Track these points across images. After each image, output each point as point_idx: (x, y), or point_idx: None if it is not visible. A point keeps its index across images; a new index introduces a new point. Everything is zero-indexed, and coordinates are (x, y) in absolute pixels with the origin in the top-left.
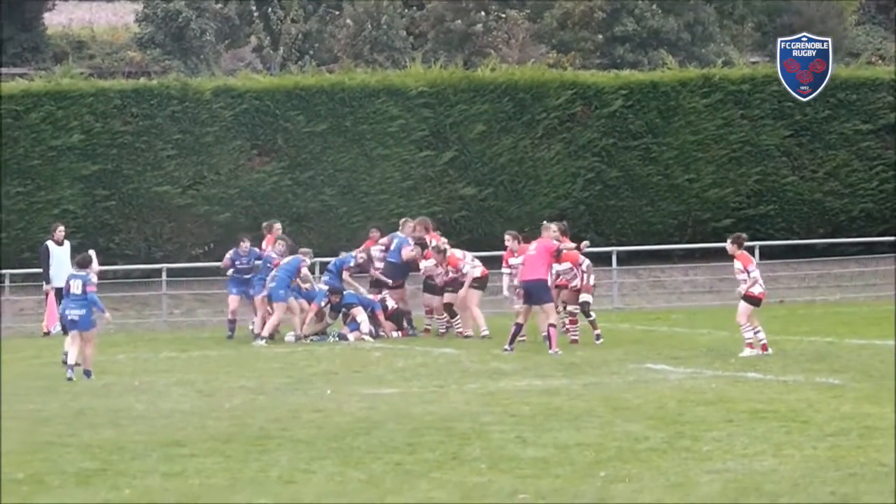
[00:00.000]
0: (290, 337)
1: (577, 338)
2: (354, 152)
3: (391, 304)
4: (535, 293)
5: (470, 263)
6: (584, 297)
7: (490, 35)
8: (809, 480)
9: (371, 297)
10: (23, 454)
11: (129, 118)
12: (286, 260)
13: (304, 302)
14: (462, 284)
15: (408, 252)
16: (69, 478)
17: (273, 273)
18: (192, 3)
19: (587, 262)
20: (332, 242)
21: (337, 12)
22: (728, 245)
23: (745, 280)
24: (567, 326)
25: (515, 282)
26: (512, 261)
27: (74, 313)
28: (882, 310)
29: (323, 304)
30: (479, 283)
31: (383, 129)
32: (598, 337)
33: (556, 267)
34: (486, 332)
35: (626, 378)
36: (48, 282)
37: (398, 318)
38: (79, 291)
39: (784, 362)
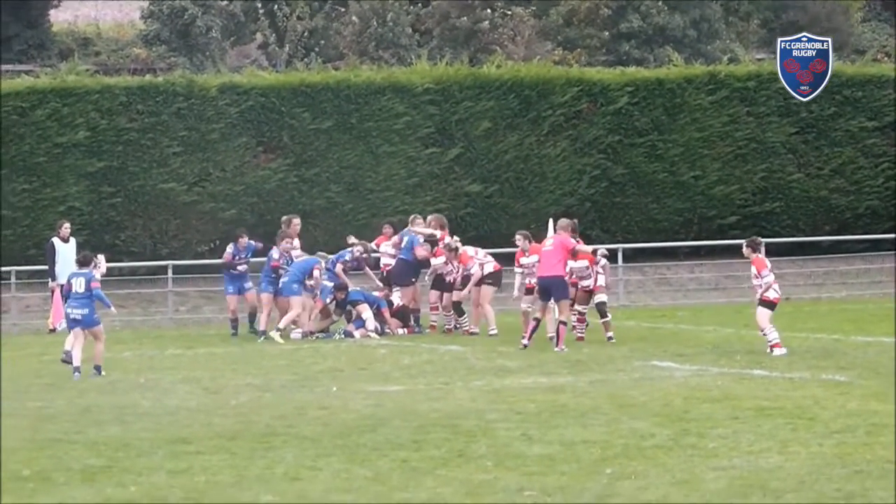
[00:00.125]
0: (296, 334)
1: (583, 335)
2: (360, 149)
3: (398, 301)
4: (553, 289)
5: (481, 260)
6: (600, 297)
7: (496, 32)
8: (815, 478)
9: (377, 293)
10: (29, 451)
11: (135, 115)
12: (303, 258)
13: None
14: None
15: (421, 251)
16: (75, 475)
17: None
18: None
19: (605, 261)
20: (338, 239)
21: (343, 9)
22: (744, 248)
23: (761, 286)
24: (574, 324)
25: (532, 280)
26: (523, 260)
27: (77, 312)
28: (888, 307)
29: (328, 300)
30: (493, 278)
31: (389, 125)
32: (610, 338)
33: (572, 264)
34: (495, 331)
35: (631, 375)
36: (54, 279)
37: (404, 315)
38: (81, 289)
39: (790, 359)
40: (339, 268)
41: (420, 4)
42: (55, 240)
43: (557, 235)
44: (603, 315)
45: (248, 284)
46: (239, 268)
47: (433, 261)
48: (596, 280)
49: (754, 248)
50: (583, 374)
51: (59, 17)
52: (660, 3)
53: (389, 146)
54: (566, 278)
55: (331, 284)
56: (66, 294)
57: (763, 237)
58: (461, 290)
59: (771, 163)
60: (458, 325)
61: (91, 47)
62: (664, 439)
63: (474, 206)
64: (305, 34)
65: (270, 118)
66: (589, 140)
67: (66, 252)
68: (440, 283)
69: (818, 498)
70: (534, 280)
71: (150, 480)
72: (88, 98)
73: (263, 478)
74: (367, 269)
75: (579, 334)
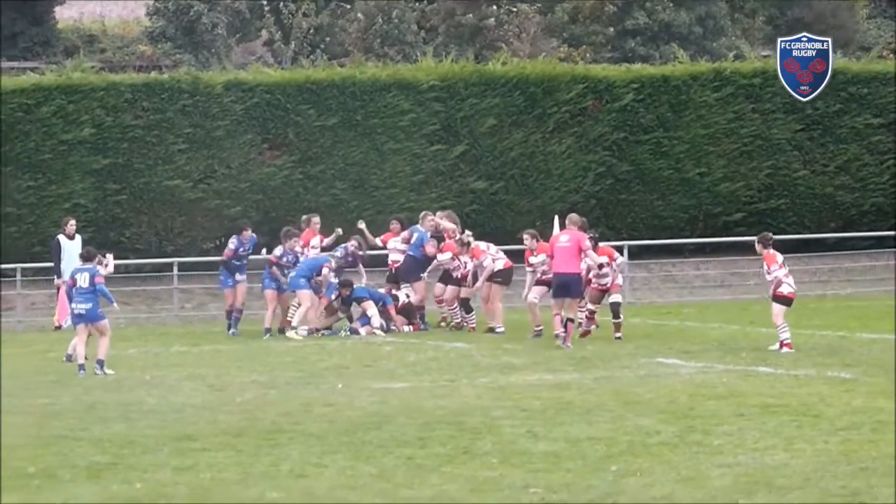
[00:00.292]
0: (303, 331)
1: (589, 331)
2: (365, 146)
3: (404, 297)
4: (570, 286)
5: (493, 255)
6: (615, 296)
7: (501, 29)
8: (821, 475)
9: (382, 290)
10: (34, 448)
11: (140, 112)
12: (313, 255)
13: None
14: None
15: (430, 248)
16: (80, 472)
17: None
18: None
19: (622, 259)
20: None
21: (348, 6)
22: (756, 245)
23: (771, 282)
24: (581, 321)
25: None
26: (532, 259)
27: (81, 307)
28: (893, 304)
29: (333, 297)
30: (503, 276)
31: (394, 123)
32: (618, 337)
33: (590, 261)
34: (502, 329)
35: (637, 372)
36: (59, 276)
37: (409, 312)
38: (86, 284)
39: (795, 356)
40: (325, 271)
41: (426, 1)
42: (60, 237)
43: (573, 232)
44: (616, 315)
45: (242, 276)
46: (238, 260)
47: (439, 256)
48: (613, 278)
49: (765, 244)
50: (588, 371)
51: (64, 15)
52: None
53: (395, 143)
54: (582, 276)
55: (336, 281)
56: (71, 289)
57: None
58: (469, 286)
59: (776, 160)
60: (465, 322)
61: (96, 44)
62: (669, 436)
63: (479, 202)
64: (311, 31)
65: (276, 115)
66: (594, 137)
67: (71, 249)
68: (447, 279)
69: (823, 495)
70: (543, 275)
71: (155, 477)
72: (94, 95)
73: (269, 475)
74: (360, 266)
75: (584, 329)
